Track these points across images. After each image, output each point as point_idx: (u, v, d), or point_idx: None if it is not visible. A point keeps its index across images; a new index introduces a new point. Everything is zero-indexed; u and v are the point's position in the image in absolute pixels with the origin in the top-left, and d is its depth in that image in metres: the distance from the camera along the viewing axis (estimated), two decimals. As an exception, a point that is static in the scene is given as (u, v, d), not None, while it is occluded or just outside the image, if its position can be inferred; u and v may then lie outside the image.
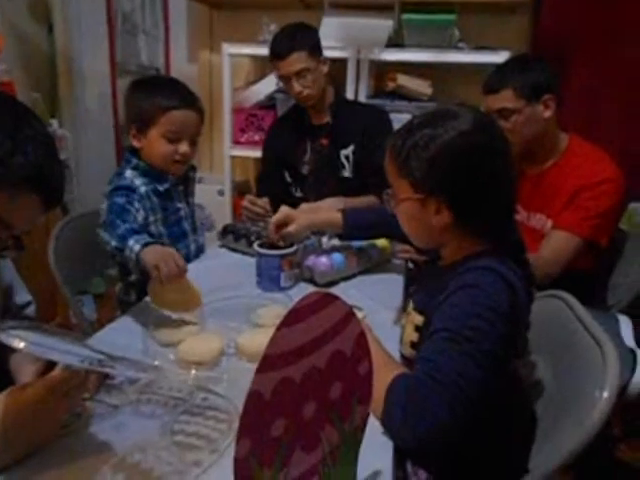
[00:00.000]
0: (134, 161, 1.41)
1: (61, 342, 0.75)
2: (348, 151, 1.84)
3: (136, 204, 1.34)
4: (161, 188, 1.42)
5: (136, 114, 1.37)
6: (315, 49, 1.77)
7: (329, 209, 1.41)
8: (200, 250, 1.60)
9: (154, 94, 1.35)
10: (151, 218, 1.42)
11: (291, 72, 1.73)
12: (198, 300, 1.13)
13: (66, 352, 0.71)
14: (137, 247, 1.08)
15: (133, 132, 1.39)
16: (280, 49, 1.72)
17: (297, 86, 1.75)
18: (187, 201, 1.56)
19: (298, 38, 1.73)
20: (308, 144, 1.90)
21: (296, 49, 1.71)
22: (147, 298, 1.15)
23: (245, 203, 1.73)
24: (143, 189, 1.38)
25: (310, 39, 1.76)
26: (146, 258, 1.06)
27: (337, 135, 1.85)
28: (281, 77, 1.78)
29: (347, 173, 1.85)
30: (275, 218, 1.14)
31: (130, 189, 1.35)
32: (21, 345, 0.65)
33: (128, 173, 1.40)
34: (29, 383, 0.75)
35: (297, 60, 1.71)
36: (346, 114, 1.86)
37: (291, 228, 1.16)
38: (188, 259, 1.53)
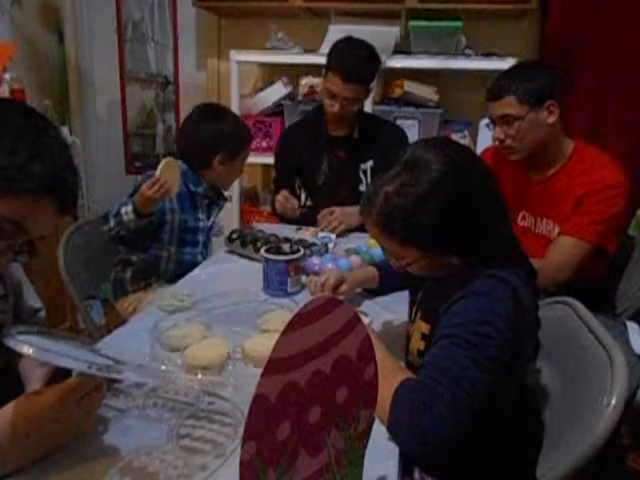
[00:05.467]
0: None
1: (69, 347, 0.75)
2: (367, 165, 1.84)
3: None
4: (193, 189, 1.58)
5: (228, 141, 1.57)
6: (370, 83, 1.76)
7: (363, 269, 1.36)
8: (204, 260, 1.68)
9: (239, 124, 1.63)
10: (168, 217, 1.53)
11: (342, 95, 1.69)
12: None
13: (74, 358, 0.72)
14: (130, 207, 1.38)
15: (220, 159, 1.57)
16: (345, 70, 1.66)
17: (338, 107, 1.72)
18: (208, 217, 1.68)
19: (365, 70, 1.71)
20: (324, 155, 1.87)
21: (357, 81, 1.68)
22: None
23: (279, 197, 1.84)
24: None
25: (372, 73, 1.76)
26: (140, 198, 1.36)
27: (358, 149, 1.84)
28: (327, 90, 1.72)
29: (363, 187, 1.84)
30: (330, 283, 1.19)
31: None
32: (29, 351, 0.66)
33: None
34: (43, 390, 0.75)
35: (352, 90, 1.69)
36: (369, 129, 1.84)
37: (343, 288, 1.21)
38: (194, 265, 1.58)
